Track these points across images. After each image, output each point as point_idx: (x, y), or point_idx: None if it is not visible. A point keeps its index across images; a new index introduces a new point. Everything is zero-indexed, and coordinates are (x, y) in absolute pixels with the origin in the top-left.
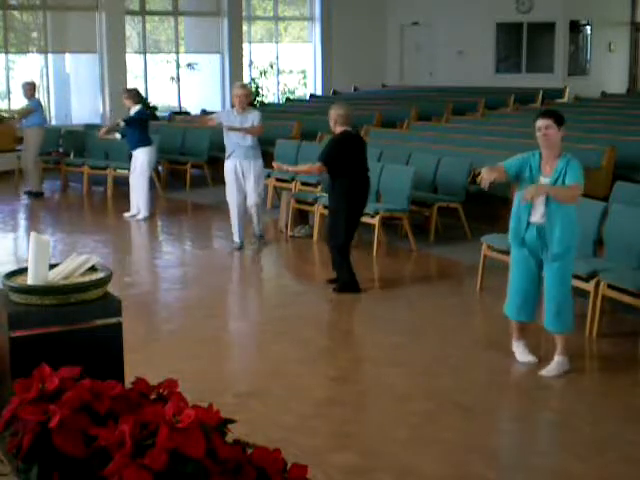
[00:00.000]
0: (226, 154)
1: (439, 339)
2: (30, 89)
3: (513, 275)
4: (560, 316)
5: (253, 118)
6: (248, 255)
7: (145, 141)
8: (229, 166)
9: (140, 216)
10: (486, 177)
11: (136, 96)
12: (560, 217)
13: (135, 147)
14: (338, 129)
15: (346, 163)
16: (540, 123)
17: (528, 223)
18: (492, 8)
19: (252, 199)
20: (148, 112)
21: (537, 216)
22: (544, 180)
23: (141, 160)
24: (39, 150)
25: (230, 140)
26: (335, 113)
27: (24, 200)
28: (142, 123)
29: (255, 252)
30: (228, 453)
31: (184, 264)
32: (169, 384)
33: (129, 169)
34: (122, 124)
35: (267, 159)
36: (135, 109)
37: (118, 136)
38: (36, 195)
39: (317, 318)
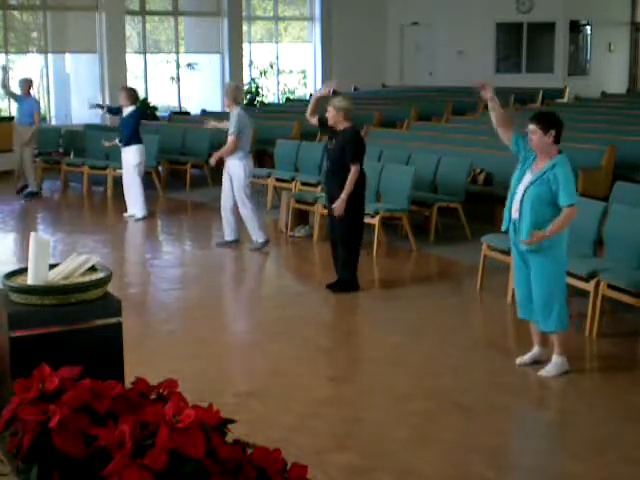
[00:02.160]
0: None
1: (439, 339)
2: (27, 86)
3: None
4: (547, 315)
5: (231, 120)
6: (248, 255)
7: (134, 140)
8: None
9: (139, 215)
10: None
11: (133, 96)
12: (530, 215)
13: (125, 144)
14: (344, 124)
15: (363, 158)
16: (527, 127)
17: (510, 218)
18: (492, 8)
19: (236, 199)
20: (141, 113)
21: (515, 211)
22: (529, 177)
23: (130, 160)
24: (33, 148)
25: None
26: (342, 107)
27: (23, 200)
28: (136, 124)
29: (254, 252)
30: (228, 453)
31: (184, 264)
32: (169, 384)
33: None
34: (103, 109)
35: (267, 159)
36: (130, 109)
37: (117, 141)
38: (22, 191)
39: (317, 318)
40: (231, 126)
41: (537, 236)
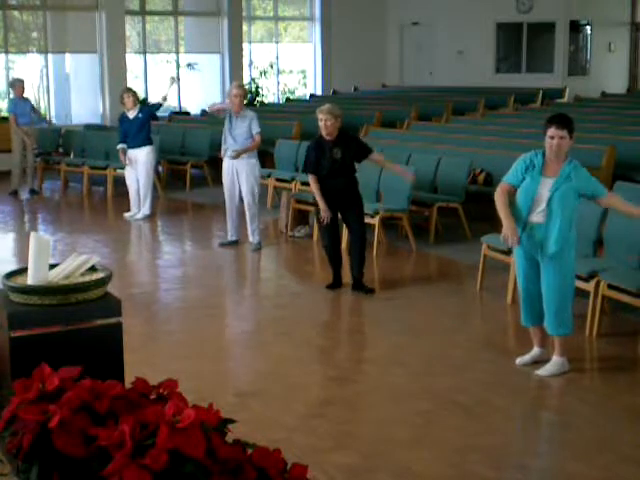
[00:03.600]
0: (222, 152)
1: (439, 339)
2: (21, 87)
3: (517, 278)
4: (558, 318)
5: (251, 121)
6: (248, 255)
7: (147, 140)
8: (225, 165)
9: (140, 215)
10: (512, 235)
11: (138, 97)
12: (560, 218)
13: (137, 145)
14: (338, 130)
15: None
16: (554, 132)
17: (525, 222)
18: (492, 8)
19: (245, 199)
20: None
21: (536, 215)
22: (547, 181)
23: (143, 160)
24: (34, 148)
25: (226, 139)
26: (340, 114)
27: (23, 200)
28: (149, 122)
29: (254, 252)
30: (228, 453)
31: (184, 264)
32: (169, 384)
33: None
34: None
35: (267, 159)
36: (137, 109)
37: (124, 146)
38: (15, 194)
39: (317, 318)
40: (256, 125)
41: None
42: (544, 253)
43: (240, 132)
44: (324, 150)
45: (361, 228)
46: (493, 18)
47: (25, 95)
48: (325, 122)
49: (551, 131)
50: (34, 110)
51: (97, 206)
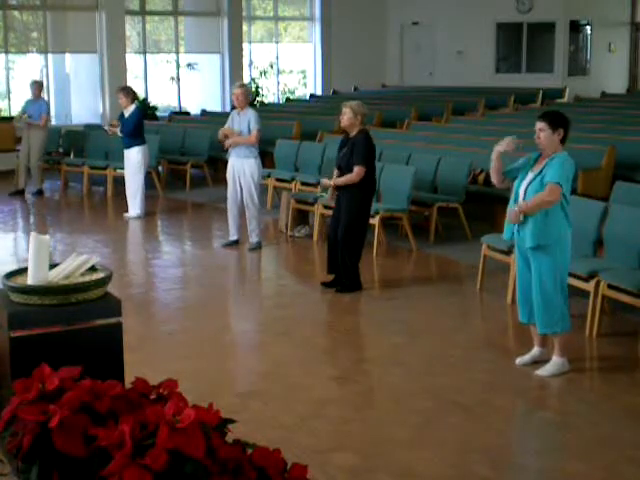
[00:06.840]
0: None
1: (439, 339)
2: (37, 88)
3: None
4: (545, 317)
5: (249, 119)
6: (248, 255)
7: (138, 140)
8: (228, 164)
9: (133, 214)
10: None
11: (132, 95)
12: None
13: (128, 146)
14: (358, 127)
15: (373, 163)
16: (536, 125)
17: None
18: (492, 8)
19: (245, 198)
20: (142, 111)
21: None
22: (529, 176)
23: (133, 160)
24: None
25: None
26: (361, 112)
27: (26, 200)
28: (139, 122)
29: (254, 252)
30: (228, 453)
31: (184, 264)
32: (169, 384)
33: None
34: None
35: (267, 159)
36: (131, 108)
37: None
38: (17, 194)
39: (317, 318)
40: (254, 122)
41: (514, 217)
42: (526, 249)
43: (242, 128)
44: (343, 145)
45: (344, 234)
46: (493, 18)
47: (42, 95)
48: (342, 115)
49: (536, 125)
50: (43, 112)
51: (97, 206)
